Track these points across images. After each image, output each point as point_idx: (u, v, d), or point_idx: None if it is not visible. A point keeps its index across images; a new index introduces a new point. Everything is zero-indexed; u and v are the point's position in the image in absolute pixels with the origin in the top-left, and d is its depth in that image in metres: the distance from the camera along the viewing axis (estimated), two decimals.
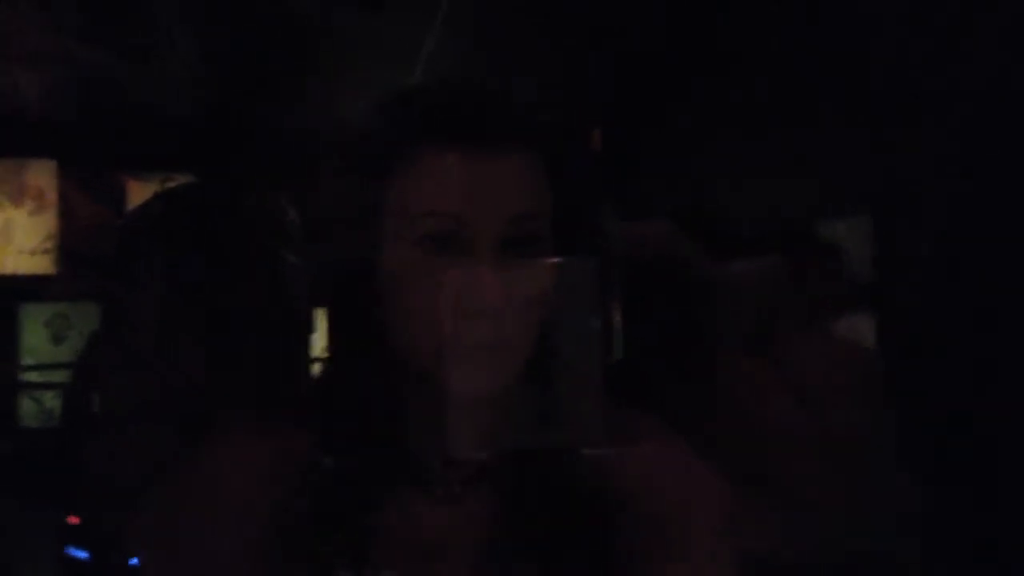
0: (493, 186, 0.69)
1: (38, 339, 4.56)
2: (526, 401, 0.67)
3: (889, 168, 2.46)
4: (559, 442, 0.67)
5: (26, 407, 4.46)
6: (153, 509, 0.81)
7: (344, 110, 3.30)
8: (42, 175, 4.55)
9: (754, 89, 3.21)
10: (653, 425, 0.79)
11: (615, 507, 0.73)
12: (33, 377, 4.52)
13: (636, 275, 1.56)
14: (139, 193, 4.48)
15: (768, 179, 2.97)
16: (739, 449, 1.40)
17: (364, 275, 0.72)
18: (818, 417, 1.65)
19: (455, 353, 0.67)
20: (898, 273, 2.43)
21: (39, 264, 4.53)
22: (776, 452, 1.62)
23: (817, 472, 1.62)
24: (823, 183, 2.71)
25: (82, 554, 2.64)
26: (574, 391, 0.66)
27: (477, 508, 0.74)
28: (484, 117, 0.71)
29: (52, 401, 4.26)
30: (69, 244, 4.54)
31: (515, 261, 0.68)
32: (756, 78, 3.20)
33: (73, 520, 2.74)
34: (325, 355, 0.78)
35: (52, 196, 4.55)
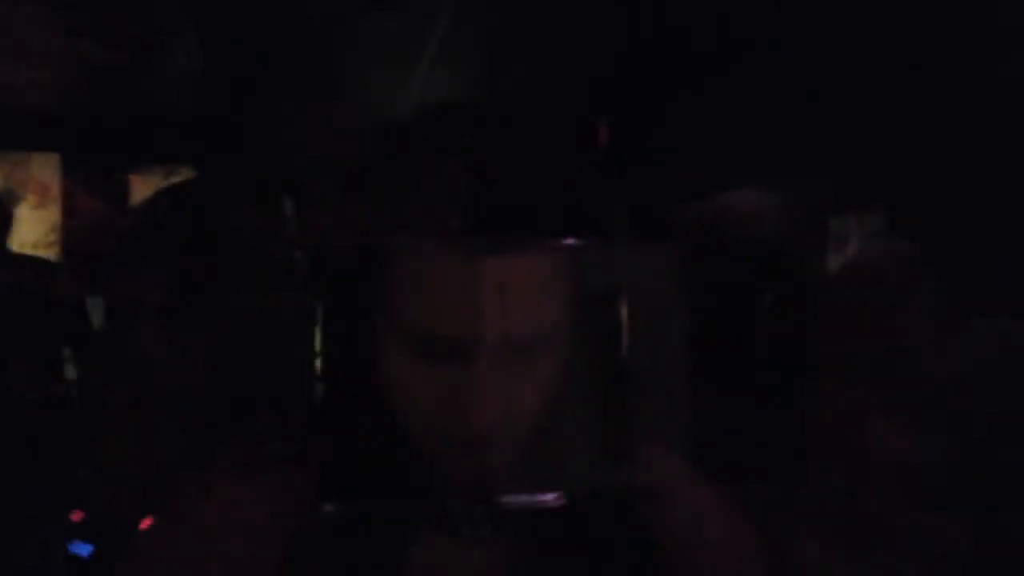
0: (499, 294, 0.60)
1: None
2: (593, 434, 0.59)
3: (899, 162, 2.45)
4: (637, 481, 0.59)
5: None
6: (139, 554, 0.73)
7: (347, 114, 3.29)
8: (46, 169, 4.54)
9: (763, 82, 3.19)
10: (685, 468, 0.72)
11: (647, 556, 0.69)
12: None
13: (719, 266, 1.28)
14: (142, 188, 4.48)
15: (778, 174, 2.95)
16: (833, 487, 1.23)
17: (364, 289, 0.64)
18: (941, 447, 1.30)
19: (448, 447, 0.63)
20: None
21: None
22: (882, 487, 1.30)
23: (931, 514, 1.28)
24: (835, 176, 2.69)
25: (85, 549, 2.64)
26: (653, 418, 0.56)
27: (505, 551, 0.70)
28: (502, 225, 0.61)
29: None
30: (72, 239, 4.53)
31: (512, 361, 0.61)
32: (765, 71, 3.18)
33: (77, 516, 2.74)
34: (323, 373, 0.72)
35: (56, 190, 4.55)
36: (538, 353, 0.62)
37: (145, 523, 0.75)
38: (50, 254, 4.52)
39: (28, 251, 4.48)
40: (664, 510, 0.69)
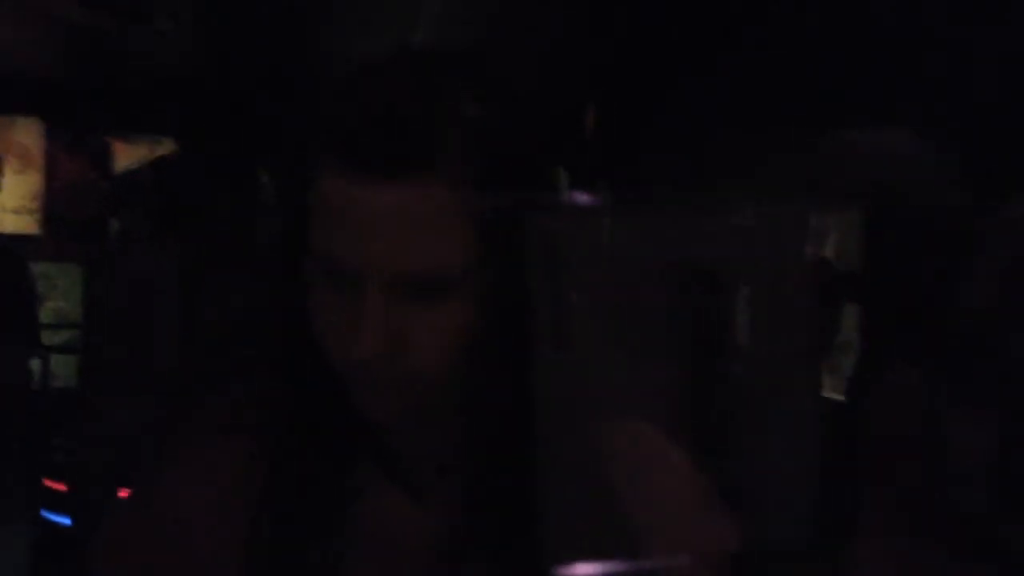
0: (391, 223, 0.61)
1: None
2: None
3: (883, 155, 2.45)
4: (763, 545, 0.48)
5: None
6: (114, 528, 0.77)
7: (339, 75, 3.26)
8: (28, 133, 4.49)
9: (755, 74, 3.18)
10: (662, 442, 0.72)
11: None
12: None
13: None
14: (125, 155, 4.43)
15: (768, 163, 2.95)
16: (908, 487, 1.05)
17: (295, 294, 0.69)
18: None
19: (357, 384, 0.66)
20: (886, 264, 2.42)
21: (23, 223, 4.47)
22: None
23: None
24: (824, 169, 2.69)
25: (64, 520, 2.65)
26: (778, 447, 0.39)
27: (443, 504, 0.71)
28: (399, 148, 0.62)
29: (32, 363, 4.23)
30: (53, 204, 4.49)
31: (409, 297, 0.62)
32: (758, 63, 3.18)
33: (58, 487, 2.75)
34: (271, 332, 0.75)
35: (38, 155, 4.49)
36: (444, 296, 0.63)
37: (122, 493, 0.78)
38: (32, 219, 4.47)
39: (10, 216, 4.44)
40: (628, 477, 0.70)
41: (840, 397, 1.20)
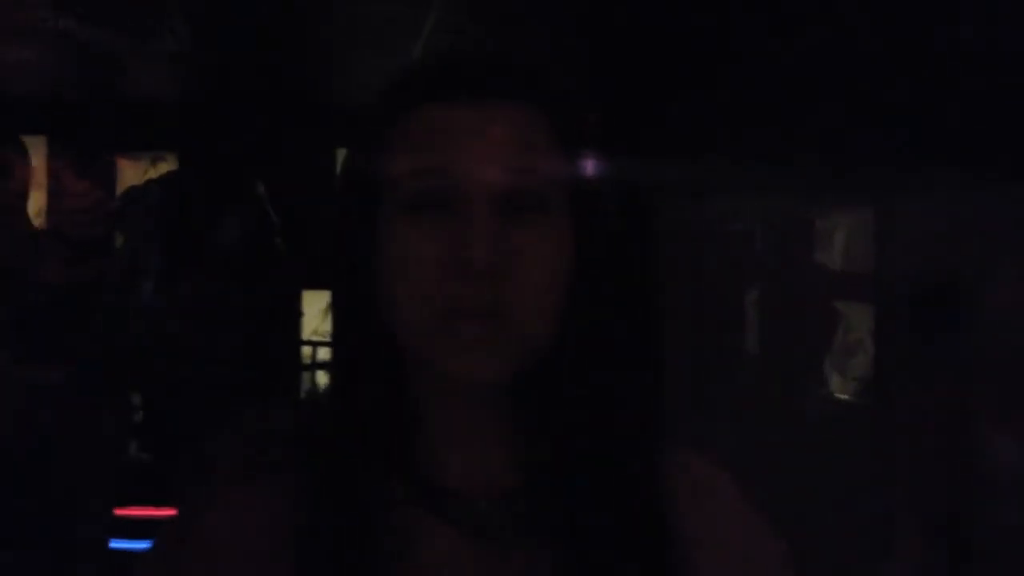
0: (486, 137, 0.63)
1: None
2: None
3: (891, 161, 2.45)
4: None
5: None
6: (153, 564, 0.70)
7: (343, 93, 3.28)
8: (33, 153, 4.49)
9: (756, 79, 3.18)
10: (714, 469, 0.70)
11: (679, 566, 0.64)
12: None
13: None
14: (129, 172, 4.43)
15: (770, 169, 2.94)
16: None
17: (361, 258, 0.65)
18: None
19: (448, 323, 0.61)
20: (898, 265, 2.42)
21: None
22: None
23: None
24: (826, 173, 2.69)
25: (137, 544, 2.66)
26: None
27: (530, 558, 0.63)
28: (478, 75, 0.66)
29: None
30: (59, 222, 4.49)
31: (511, 229, 0.62)
32: (759, 69, 3.18)
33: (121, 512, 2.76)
34: (321, 341, 0.72)
35: (42, 174, 4.50)
36: (545, 217, 0.64)
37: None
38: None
39: None
40: (695, 516, 0.66)
41: (847, 397, 1.20)
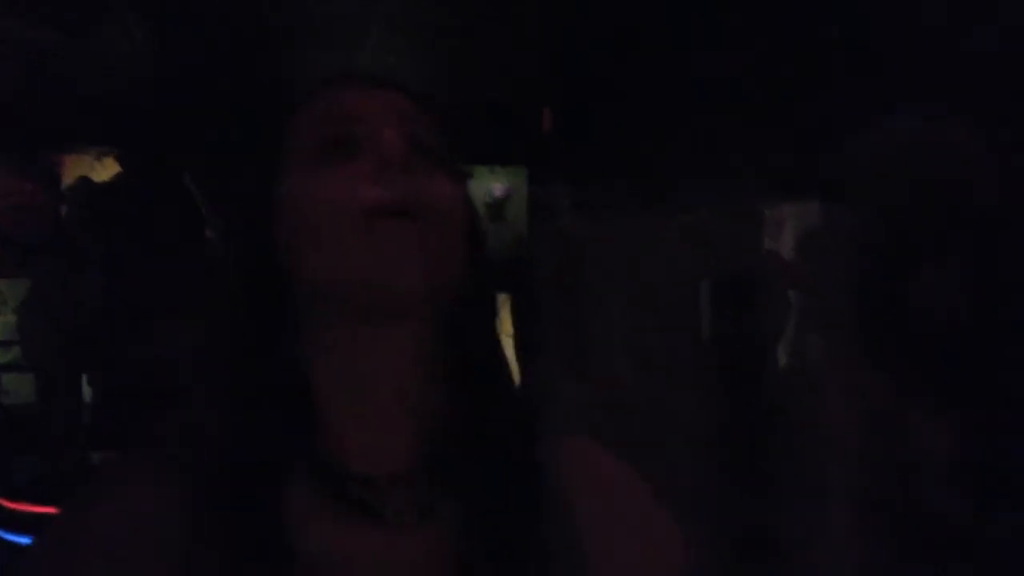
0: (382, 98, 0.74)
1: None
2: None
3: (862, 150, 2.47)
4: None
5: None
6: (37, 564, 0.69)
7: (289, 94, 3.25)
8: None
9: (721, 68, 3.20)
10: (609, 457, 0.73)
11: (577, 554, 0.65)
12: None
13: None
14: (74, 168, 4.36)
15: (730, 160, 2.97)
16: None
17: (266, 205, 0.71)
18: None
19: (367, 223, 0.63)
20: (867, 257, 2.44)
21: None
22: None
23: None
24: (788, 166, 2.71)
25: (23, 540, 2.61)
26: None
27: (435, 542, 0.65)
28: (365, 73, 0.77)
29: None
30: (2, 225, 4.40)
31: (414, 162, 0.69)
32: (720, 58, 3.20)
33: (16, 507, 2.71)
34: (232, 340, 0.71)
35: None
36: (422, 163, 0.70)
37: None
38: None
39: None
40: (590, 506, 0.69)
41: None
